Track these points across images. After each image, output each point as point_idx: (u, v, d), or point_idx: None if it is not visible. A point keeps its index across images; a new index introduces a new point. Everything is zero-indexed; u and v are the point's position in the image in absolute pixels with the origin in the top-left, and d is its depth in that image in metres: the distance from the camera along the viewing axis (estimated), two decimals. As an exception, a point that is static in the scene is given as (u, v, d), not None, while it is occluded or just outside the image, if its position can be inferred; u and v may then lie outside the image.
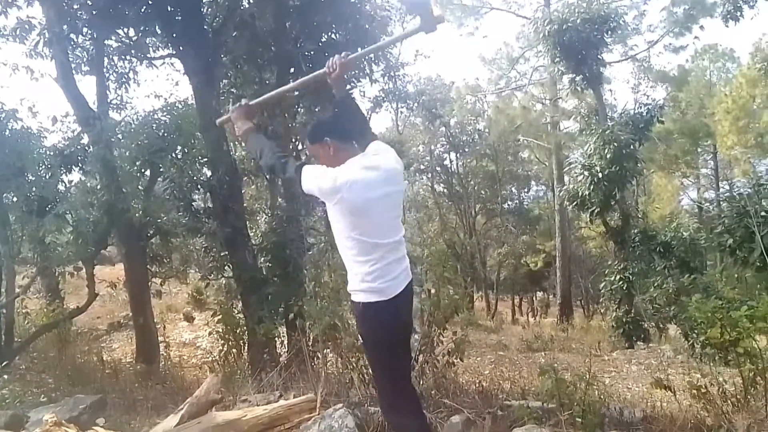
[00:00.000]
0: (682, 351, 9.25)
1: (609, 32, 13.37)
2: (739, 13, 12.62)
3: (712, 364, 4.18)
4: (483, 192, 29.26)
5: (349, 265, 2.53)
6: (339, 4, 9.45)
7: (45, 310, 8.66)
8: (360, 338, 2.62)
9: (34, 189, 7.30)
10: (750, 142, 21.95)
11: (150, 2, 7.63)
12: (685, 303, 6.28)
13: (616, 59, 22.21)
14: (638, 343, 11.58)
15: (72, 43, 8.61)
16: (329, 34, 10.14)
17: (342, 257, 2.58)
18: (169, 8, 8.01)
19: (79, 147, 8.09)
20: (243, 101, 2.89)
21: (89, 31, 8.43)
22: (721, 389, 3.67)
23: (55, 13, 7.48)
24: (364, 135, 2.73)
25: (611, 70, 21.85)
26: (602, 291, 13.45)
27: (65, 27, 7.70)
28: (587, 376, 3.75)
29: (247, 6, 9.10)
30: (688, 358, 8.09)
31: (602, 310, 19.29)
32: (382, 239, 2.48)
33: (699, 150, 27.70)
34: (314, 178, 2.39)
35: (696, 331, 6.96)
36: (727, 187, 24.83)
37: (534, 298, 31.91)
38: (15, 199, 7.34)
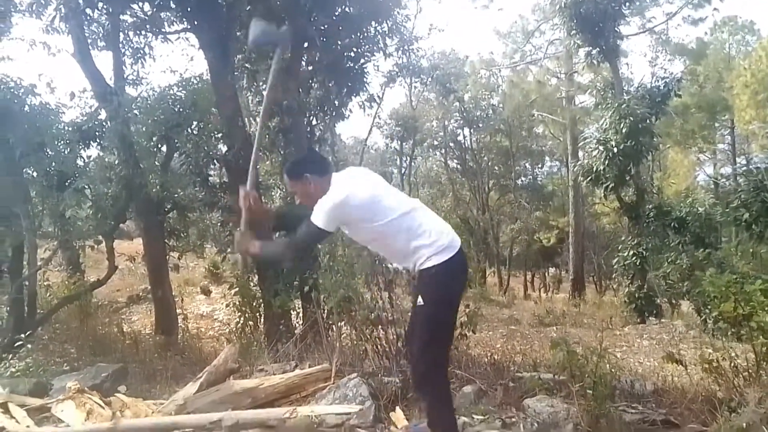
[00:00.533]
0: (695, 326, 9.27)
1: (627, 3, 13.17)
2: (761, -16, 12.30)
3: (724, 338, 4.20)
4: (497, 168, 29.10)
5: (407, 248, 2.63)
6: (353, -23, 9.36)
7: (66, 282, 8.87)
8: (426, 300, 2.62)
9: (53, 164, 7.42)
10: (768, 117, 21.55)
11: (164, -24, 7.62)
12: (699, 278, 6.27)
13: (633, 32, 21.77)
14: (650, 318, 11.61)
15: (88, 18, 8.63)
16: (343, 7, 10.04)
17: (397, 254, 2.74)
18: (182, -18, 8.00)
19: (96, 122, 8.19)
20: (237, 233, 2.91)
21: (105, 6, 8.44)
22: (732, 363, 3.70)
23: (71, -13, 7.51)
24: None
25: (628, 43, 21.61)
26: (615, 267, 13.46)
27: (81, 2, 7.71)
28: (599, 350, 3.79)
29: (260, -21, 9.02)
30: (700, 333, 8.11)
31: (615, 286, 19.30)
32: (413, 204, 2.70)
33: (716, 125, 27.25)
34: (323, 216, 2.55)
35: (709, 307, 6.95)
36: (744, 162, 24.46)
37: (546, 274, 31.91)
38: (35, 174, 7.47)
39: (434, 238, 2.60)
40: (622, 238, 14.39)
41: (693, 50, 23.54)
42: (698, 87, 24.69)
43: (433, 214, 2.75)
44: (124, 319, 10.26)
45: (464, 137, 28.11)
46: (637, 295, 12.09)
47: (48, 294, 8.66)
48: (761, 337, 3.67)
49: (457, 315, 2.89)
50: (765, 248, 7.19)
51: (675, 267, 10.72)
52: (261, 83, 10.80)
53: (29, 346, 5.81)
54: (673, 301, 12.02)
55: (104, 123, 8.22)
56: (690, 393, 3.82)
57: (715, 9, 20.43)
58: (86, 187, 7.87)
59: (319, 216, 2.54)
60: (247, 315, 6.86)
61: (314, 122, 11.38)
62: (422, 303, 2.62)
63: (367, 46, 10.50)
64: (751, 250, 8.34)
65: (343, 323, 5.01)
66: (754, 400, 3.13)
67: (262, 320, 7.33)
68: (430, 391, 2.70)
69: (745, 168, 8.80)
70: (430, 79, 22.91)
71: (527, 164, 31.54)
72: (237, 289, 7.05)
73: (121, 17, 9.20)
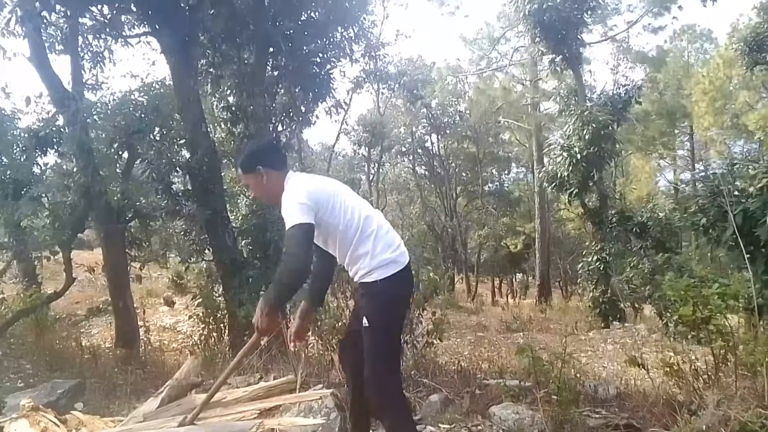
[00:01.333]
0: (657, 330, 9.45)
1: (589, 12, 13.45)
2: (716, -6, 12.73)
3: (684, 342, 4.28)
4: (464, 174, 29.39)
5: (355, 253, 2.56)
6: (319, -18, 9.33)
7: (22, 295, 8.53)
8: (370, 321, 2.53)
9: (8, 172, 7.14)
10: (726, 123, 22.28)
11: (124, -21, 7.46)
12: (659, 282, 6.40)
13: (596, 40, 22.44)
14: (614, 322, 11.81)
15: (45, 21, 8.37)
16: (309, 12, 9.99)
17: (347, 255, 2.60)
18: (143, -15, 7.84)
19: (54, 128, 7.90)
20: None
21: (62, 9, 8.20)
22: (692, 366, 3.77)
23: (27, -10, 7.27)
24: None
25: (591, 51, 22.07)
26: (580, 272, 13.66)
27: (37, 4, 7.47)
28: (563, 355, 3.83)
29: (224, -17, 8.92)
30: (662, 336, 8.26)
31: (580, 291, 19.61)
32: (370, 211, 2.64)
33: (676, 131, 28.06)
34: (296, 209, 2.39)
35: (670, 310, 7.10)
36: (703, 168, 25.20)
37: (514, 280, 32.28)
38: (-12, 182, 7.19)
39: (380, 249, 2.53)
40: (587, 244, 14.65)
41: (653, 58, 24.23)
42: (658, 94, 25.40)
43: (389, 225, 2.68)
44: (83, 332, 9.96)
45: (432, 143, 28.37)
46: (601, 300, 12.30)
47: (2, 307, 8.33)
48: (719, 340, 3.74)
49: (400, 331, 2.88)
50: (722, 252, 7.39)
51: (637, 271, 10.93)
52: (225, 88, 10.66)
53: (-19, 361, 5.58)
54: (636, 306, 12.26)
55: (62, 129, 7.95)
56: (652, 396, 3.88)
57: (674, 18, 21.14)
58: (43, 195, 7.60)
59: (293, 212, 2.38)
60: (211, 326, 6.73)
61: (280, 128, 11.28)
62: (366, 324, 2.55)
63: (333, 52, 10.46)
64: (708, 255, 8.55)
65: (308, 333, 4.94)
66: (713, 402, 3.18)
67: (227, 331, 7.19)
68: (388, 407, 2.62)
69: (702, 174, 9.01)
70: (397, 86, 23.09)
71: (494, 170, 31.95)
72: (200, 299, 6.91)
73: (80, 20, 8.94)
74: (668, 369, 3.75)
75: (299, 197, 2.43)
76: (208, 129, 9.09)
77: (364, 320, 2.56)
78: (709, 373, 3.77)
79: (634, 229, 12.09)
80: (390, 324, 2.61)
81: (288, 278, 2.35)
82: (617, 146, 13.38)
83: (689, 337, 4.35)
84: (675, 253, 11.24)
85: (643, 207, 13.13)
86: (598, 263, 12.37)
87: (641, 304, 12.05)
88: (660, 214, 11.99)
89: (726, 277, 4.92)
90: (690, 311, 3.83)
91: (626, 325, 11.38)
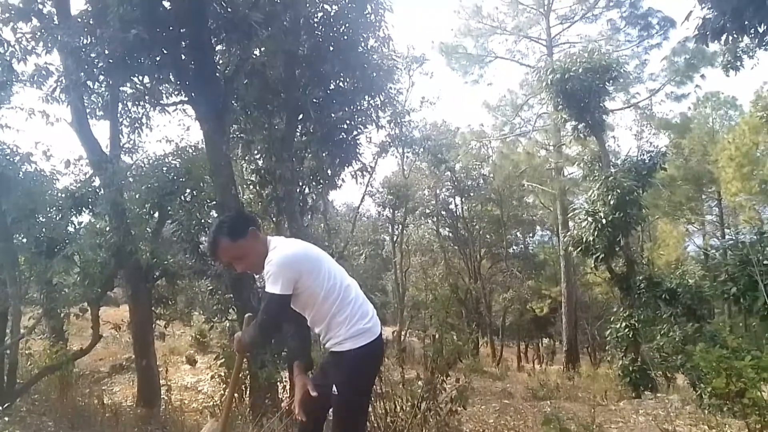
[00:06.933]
0: (690, 401, 9.09)
1: (611, 81, 13.65)
2: (739, 63, 12.86)
3: (719, 415, 4.12)
4: (488, 236, 29.29)
5: (333, 320, 2.61)
6: (347, 54, 9.75)
7: (48, 351, 8.64)
8: (339, 390, 2.59)
9: (44, 230, 7.40)
10: (754, 189, 21.99)
11: (165, 51, 7.87)
12: (691, 352, 6.22)
13: (618, 107, 22.66)
14: (646, 392, 11.36)
15: (88, 89, 8.87)
16: (337, 81, 10.42)
17: (324, 321, 2.64)
18: (182, 57, 8.27)
19: (90, 189, 8.23)
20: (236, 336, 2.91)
21: (105, 79, 8.68)
22: (727, 441, 3.64)
23: (73, 61, 7.71)
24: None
25: (614, 118, 22.25)
26: (608, 338, 13.31)
27: (82, 74, 7.93)
28: (592, 426, 3.72)
29: (258, 55, 9.39)
30: (696, 408, 7.94)
31: (609, 358, 19.03)
32: (348, 280, 2.71)
33: (703, 197, 27.76)
34: (275, 276, 2.46)
35: (703, 381, 6.87)
36: (732, 234, 24.75)
37: (540, 345, 31.45)
38: (24, 240, 7.44)
39: (356, 319, 2.59)
40: (614, 309, 14.31)
41: (677, 124, 24.29)
42: (684, 160, 25.33)
43: (363, 296, 2.74)
44: (105, 389, 9.95)
45: (456, 206, 28.48)
46: (631, 368, 11.89)
47: (29, 363, 8.42)
48: (755, 414, 3.61)
49: (368, 401, 3.03)
50: (755, 321, 7.19)
51: (668, 340, 10.61)
52: (255, 152, 11.02)
53: (6, 419, 5.61)
54: (668, 375, 11.82)
55: (98, 190, 8.28)
56: (686, 473, 3.72)
57: (697, 86, 21.24)
58: (75, 253, 7.82)
59: (275, 280, 2.45)
60: (232, 387, 6.67)
61: (307, 191, 11.53)
62: (335, 392, 2.59)
63: (360, 119, 10.79)
64: (741, 324, 8.32)
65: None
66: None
67: (248, 393, 7.14)
68: None
69: (732, 241, 8.88)
70: (422, 150, 23.50)
71: (518, 233, 31.77)
72: (223, 359, 6.90)
73: (121, 89, 9.45)
74: (702, 444, 3.62)
75: (283, 266, 2.47)
76: (237, 191, 9.35)
77: (333, 388, 2.60)
78: (746, 450, 3.62)
79: (663, 296, 11.80)
80: (357, 392, 2.67)
81: (259, 334, 2.68)
82: (643, 211, 13.26)
83: (724, 409, 4.20)
84: (706, 321, 10.92)
85: (672, 273, 12.86)
86: (626, 330, 12.04)
87: (673, 373, 11.62)
88: (690, 281, 11.72)
89: (760, 347, 4.78)
90: (723, 384, 3.72)
91: (658, 395, 10.94)
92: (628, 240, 13.18)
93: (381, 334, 2.70)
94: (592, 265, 13.88)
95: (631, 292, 12.48)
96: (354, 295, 2.65)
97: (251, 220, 2.72)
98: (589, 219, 12.34)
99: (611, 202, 11.87)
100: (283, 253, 2.51)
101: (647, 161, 13.05)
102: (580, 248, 12.80)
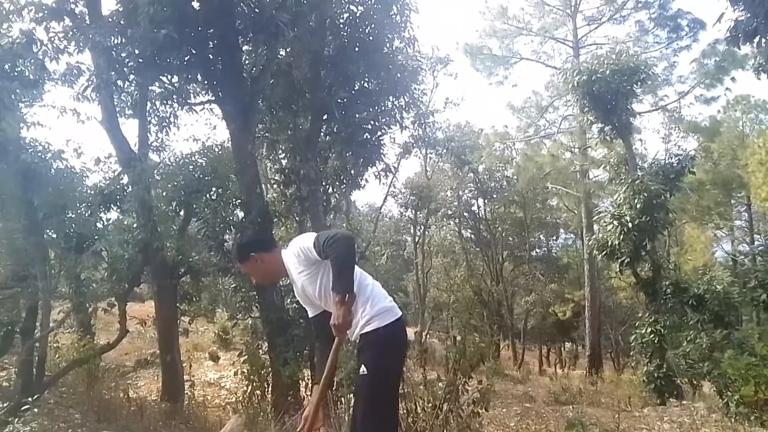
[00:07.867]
0: (717, 409, 8.90)
1: (638, 83, 13.43)
2: (770, 66, 12.57)
3: (747, 423, 4.03)
4: (511, 239, 29.07)
5: (355, 302, 2.60)
6: (371, 55, 9.78)
7: (76, 345, 8.83)
8: (370, 369, 2.54)
9: (73, 226, 7.55)
10: (786, 195, 21.46)
11: (193, 51, 7.99)
12: (718, 359, 6.09)
13: (646, 109, 22.26)
14: (671, 399, 11.16)
15: (118, 88, 9.04)
16: (362, 82, 10.46)
17: None
18: (210, 57, 8.40)
19: (118, 187, 8.39)
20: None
21: (135, 78, 8.83)
22: (756, 451, 3.56)
23: (104, 60, 7.88)
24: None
25: (641, 120, 21.87)
26: (633, 344, 13.11)
27: (113, 73, 8.09)
28: (616, 432, 3.67)
29: (284, 56, 9.48)
30: (722, 417, 7.78)
31: (633, 364, 18.73)
32: (361, 270, 2.78)
33: (732, 201, 27.17)
34: (330, 233, 2.62)
35: (730, 389, 6.72)
36: (762, 240, 24.19)
37: (562, 349, 31.10)
38: (55, 235, 7.60)
39: (378, 299, 2.66)
40: (640, 315, 14.07)
41: (706, 128, 23.77)
42: (713, 164, 24.79)
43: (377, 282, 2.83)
44: (130, 383, 10.12)
45: (478, 207, 28.32)
46: (656, 375, 11.69)
47: (57, 356, 8.61)
48: (785, 424, 3.53)
49: (399, 384, 2.94)
50: (786, 329, 7.02)
51: (695, 346, 10.40)
52: (280, 152, 11.11)
53: (35, 410, 5.74)
54: (694, 382, 11.59)
55: (126, 187, 8.44)
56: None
57: (727, 89, 20.73)
58: (103, 249, 7.97)
59: (324, 233, 2.60)
60: (254, 384, 6.77)
61: (330, 191, 11.58)
62: (365, 372, 2.56)
63: (384, 119, 10.80)
64: (771, 331, 8.14)
65: (352, 395, 4.91)
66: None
67: (270, 390, 7.21)
68: None
69: (762, 247, 8.68)
70: (445, 151, 23.42)
71: (542, 236, 31.49)
72: (246, 356, 6.98)
73: (150, 88, 9.61)
74: (730, 453, 3.55)
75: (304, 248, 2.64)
76: (262, 190, 9.44)
77: (362, 368, 2.58)
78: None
79: (690, 302, 11.57)
80: (390, 371, 2.66)
81: (345, 260, 2.51)
82: (670, 215, 13.03)
83: (752, 418, 4.11)
84: (734, 328, 10.68)
85: (699, 279, 12.61)
86: (652, 336, 11.83)
87: (699, 380, 11.39)
88: (718, 287, 11.47)
89: (791, 356, 4.67)
90: (752, 392, 3.65)
91: (684, 402, 10.74)
92: (655, 244, 12.96)
93: (401, 317, 2.72)
94: (617, 270, 13.68)
95: (656, 298, 12.27)
96: (371, 281, 2.75)
97: (253, 246, 2.86)
98: (615, 222, 12.17)
99: (637, 206, 11.69)
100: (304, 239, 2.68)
101: (675, 165, 12.82)
102: (605, 252, 12.62)
